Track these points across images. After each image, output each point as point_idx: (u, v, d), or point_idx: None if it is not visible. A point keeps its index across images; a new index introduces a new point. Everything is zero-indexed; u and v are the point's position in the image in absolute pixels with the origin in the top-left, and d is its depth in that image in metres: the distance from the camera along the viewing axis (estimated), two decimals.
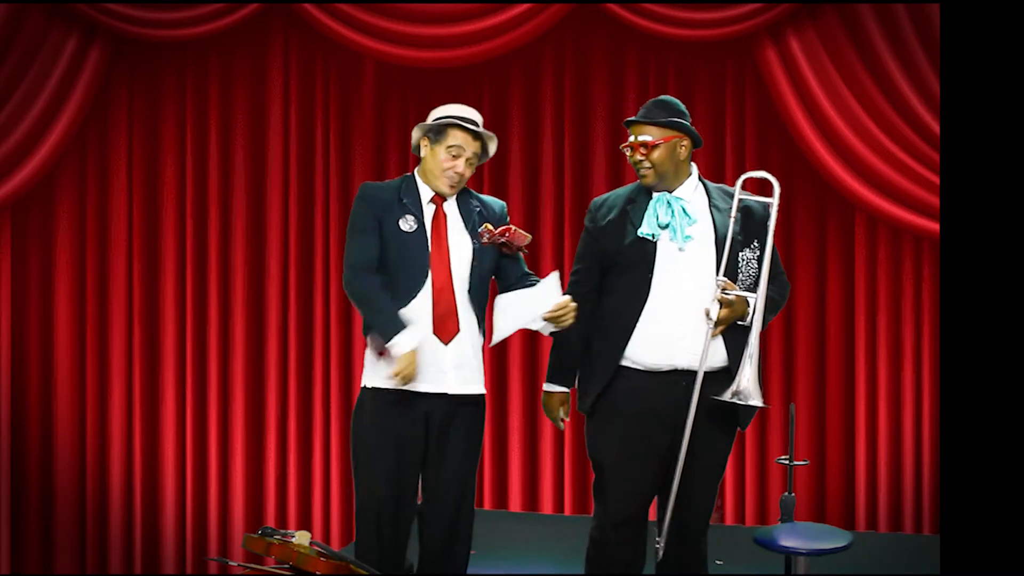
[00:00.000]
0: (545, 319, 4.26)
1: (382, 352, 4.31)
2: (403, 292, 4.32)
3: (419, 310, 4.31)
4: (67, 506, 6.66)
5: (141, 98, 6.66)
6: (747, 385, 4.09)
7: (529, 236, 4.43)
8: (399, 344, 4.25)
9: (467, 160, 4.39)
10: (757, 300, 4.18)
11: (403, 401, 4.32)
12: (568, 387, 4.41)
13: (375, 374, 4.38)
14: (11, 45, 6.31)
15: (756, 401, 4.10)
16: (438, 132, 4.37)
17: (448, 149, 4.36)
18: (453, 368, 4.33)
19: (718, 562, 5.13)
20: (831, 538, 4.49)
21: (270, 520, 6.61)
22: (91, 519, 6.68)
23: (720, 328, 4.18)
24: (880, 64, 6.03)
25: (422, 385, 4.31)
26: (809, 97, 6.09)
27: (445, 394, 4.33)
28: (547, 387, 4.42)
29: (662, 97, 4.40)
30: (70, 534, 6.67)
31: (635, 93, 6.43)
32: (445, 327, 4.31)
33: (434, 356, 4.31)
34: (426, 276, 4.32)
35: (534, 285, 4.37)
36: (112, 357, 6.67)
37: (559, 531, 6.10)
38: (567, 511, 6.47)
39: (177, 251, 6.66)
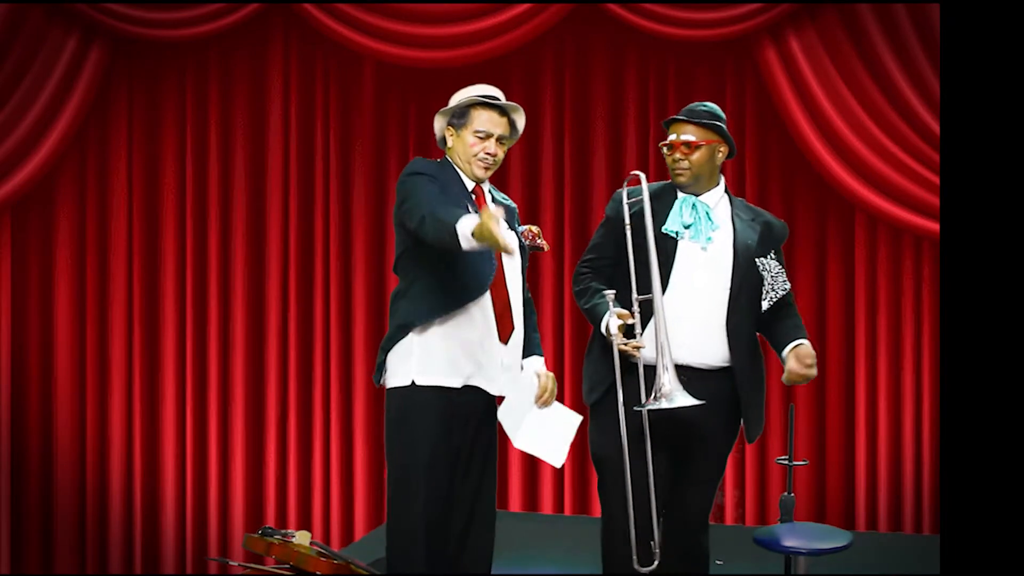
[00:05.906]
0: (539, 406, 4.15)
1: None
2: (471, 289, 4.05)
3: (481, 309, 4.08)
4: (67, 506, 6.66)
5: (141, 98, 6.66)
6: (668, 387, 3.95)
7: None
8: (466, 227, 3.81)
9: (498, 140, 4.13)
10: (655, 303, 4.01)
11: (456, 399, 4.07)
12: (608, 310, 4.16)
13: (426, 368, 4.07)
14: (11, 45, 6.31)
15: (683, 400, 3.95)
16: (461, 116, 4.12)
17: (475, 133, 4.11)
18: (507, 369, 4.13)
19: (718, 562, 5.13)
20: (831, 538, 4.48)
21: (270, 520, 6.60)
22: (91, 519, 6.67)
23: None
24: (880, 64, 6.03)
25: (478, 380, 4.08)
26: (809, 97, 6.08)
27: (494, 395, 4.13)
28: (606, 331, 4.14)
29: (704, 103, 4.32)
30: (70, 534, 6.67)
31: (635, 93, 6.43)
32: (503, 325, 4.09)
33: (493, 355, 4.10)
34: (492, 272, 4.07)
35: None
36: (112, 357, 6.67)
37: (559, 531, 6.10)
38: (567, 511, 6.46)
39: (177, 251, 6.66)
